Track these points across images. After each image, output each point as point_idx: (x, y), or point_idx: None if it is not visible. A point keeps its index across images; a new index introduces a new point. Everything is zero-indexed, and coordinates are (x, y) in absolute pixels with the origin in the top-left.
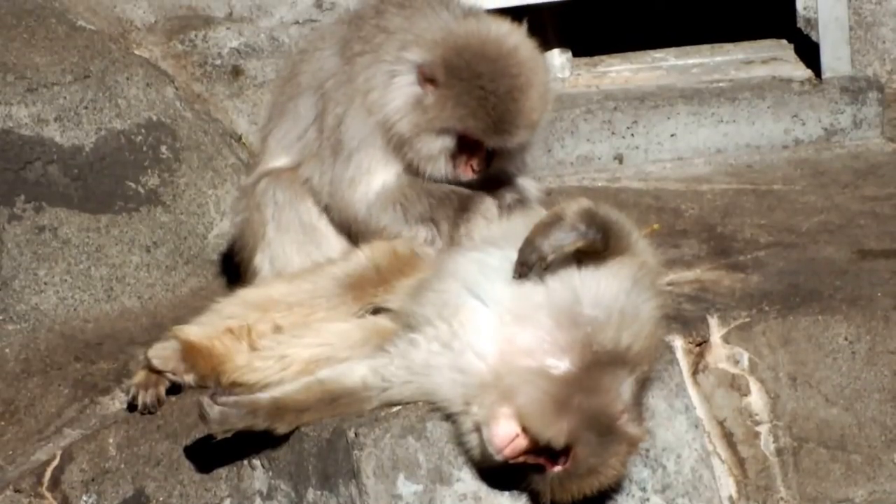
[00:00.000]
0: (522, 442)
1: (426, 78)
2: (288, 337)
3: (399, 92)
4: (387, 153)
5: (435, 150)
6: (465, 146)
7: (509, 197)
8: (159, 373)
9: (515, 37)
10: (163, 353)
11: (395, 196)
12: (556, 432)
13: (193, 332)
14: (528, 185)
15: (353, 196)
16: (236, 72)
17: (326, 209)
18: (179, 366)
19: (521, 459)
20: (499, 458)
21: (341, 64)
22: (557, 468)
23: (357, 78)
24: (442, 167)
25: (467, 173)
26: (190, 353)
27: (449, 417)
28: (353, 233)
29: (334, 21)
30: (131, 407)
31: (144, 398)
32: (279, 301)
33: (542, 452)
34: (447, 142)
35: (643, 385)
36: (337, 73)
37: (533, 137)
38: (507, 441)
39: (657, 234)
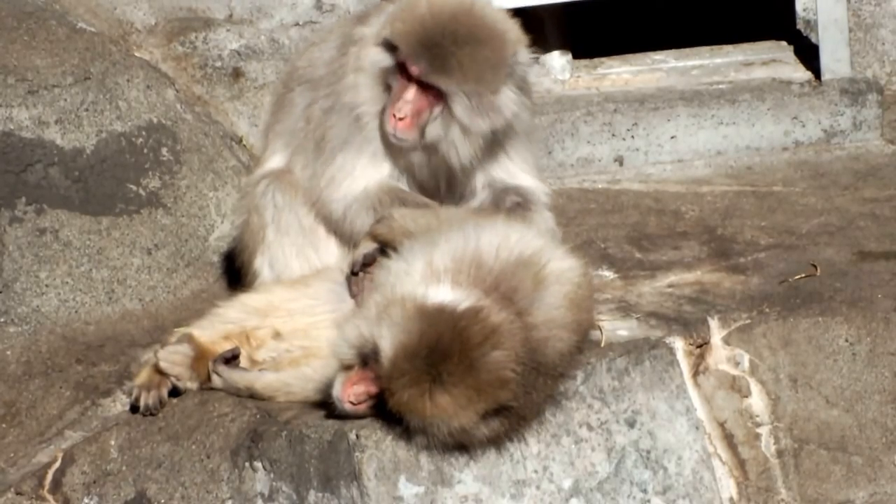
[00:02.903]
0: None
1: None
2: (287, 345)
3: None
4: (372, 156)
5: (372, 67)
6: (399, 82)
7: (509, 200)
8: (164, 375)
9: (484, 6)
10: (173, 358)
11: (371, 201)
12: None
13: (199, 335)
14: (534, 187)
15: (332, 195)
16: (237, 74)
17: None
18: (185, 372)
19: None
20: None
21: (337, 57)
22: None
23: (348, 73)
24: (376, 98)
25: (391, 122)
26: (201, 358)
27: None
28: (333, 230)
29: (342, 19)
30: (133, 408)
31: (147, 400)
32: (279, 307)
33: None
34: (383, 60)
35: None
36: (331, 64)
37: (479, 101)
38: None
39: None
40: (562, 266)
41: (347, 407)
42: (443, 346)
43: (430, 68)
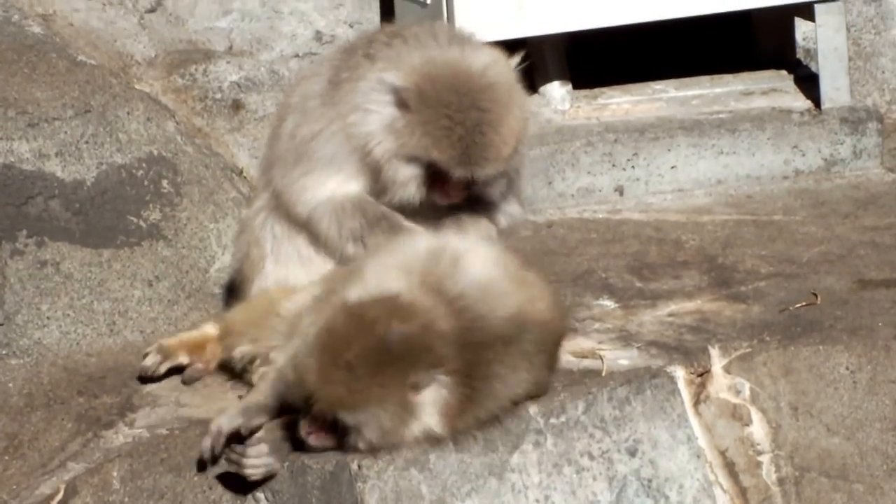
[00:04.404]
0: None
1: (401, 101)
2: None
3: (375, 114)
4: (351, 175)
5: (406, 177)
6: (436, 175)
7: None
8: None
9: (495, 69)
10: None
11: (334, 207)
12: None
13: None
14: (500, 207)
15: (301, 197)
16: (237, 106)
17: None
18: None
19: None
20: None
21: (328, 88)
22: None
23: (340, 102)
24: (414, 193)
25: (444, 199)
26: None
27: None
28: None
29: (333, 50)
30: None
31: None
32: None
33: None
34: (416, 170)
35: None
36: (322, 95)
37: (506, 167)
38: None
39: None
40: (476, 245)
41: (313, 443)
42: (343, 336)
43: (468, 174)
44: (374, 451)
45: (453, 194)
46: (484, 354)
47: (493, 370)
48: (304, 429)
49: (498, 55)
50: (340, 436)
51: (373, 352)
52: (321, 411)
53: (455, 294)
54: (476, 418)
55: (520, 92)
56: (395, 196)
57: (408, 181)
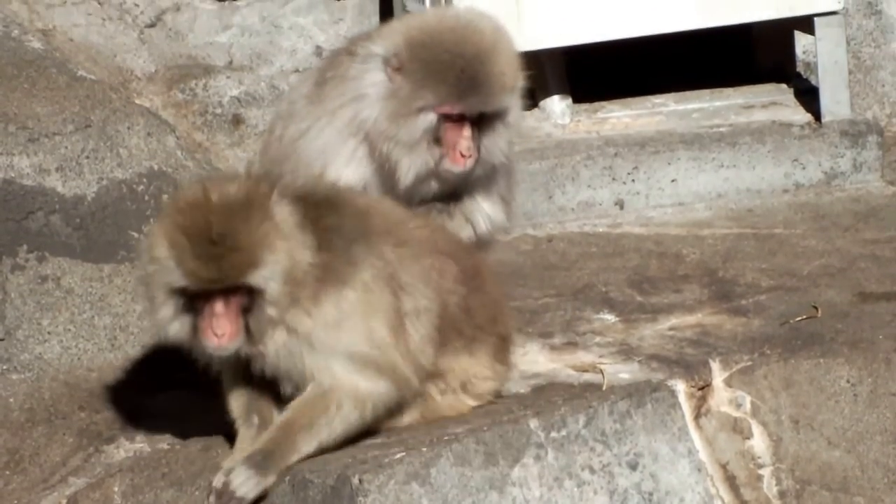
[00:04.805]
0: None
1: (393, 68)
2: None
3: (371, 89)
4: (341, 166)
5: (417, 135)
6: (448, 128)
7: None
8: None
9: (479, 18)
10: None
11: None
12: None
13: None
14: (485, 213)
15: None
16: (237, 120)
17: None
18: None
19: None
20: None
21: (314, 89)
22: None
23: (326, 98)
24: (426, 157)
25: (457, 161)
26: None
27: None
28: None
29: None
30: None
31: None
32: None
33: None
34: (427, 122)
35: None
36: (308, 96)
37: (509, 106)
38: None
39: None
40: None
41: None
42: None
43: (482, 104)
44: (281, 311)
45: (463, 144)
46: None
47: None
48: (210, 327)
49: (478, 11)
50: (247, 316)
51: (224, 215)
52: (227, 290)
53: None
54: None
55: (507, 35)
56: (403, 174)
57: (420, 140)
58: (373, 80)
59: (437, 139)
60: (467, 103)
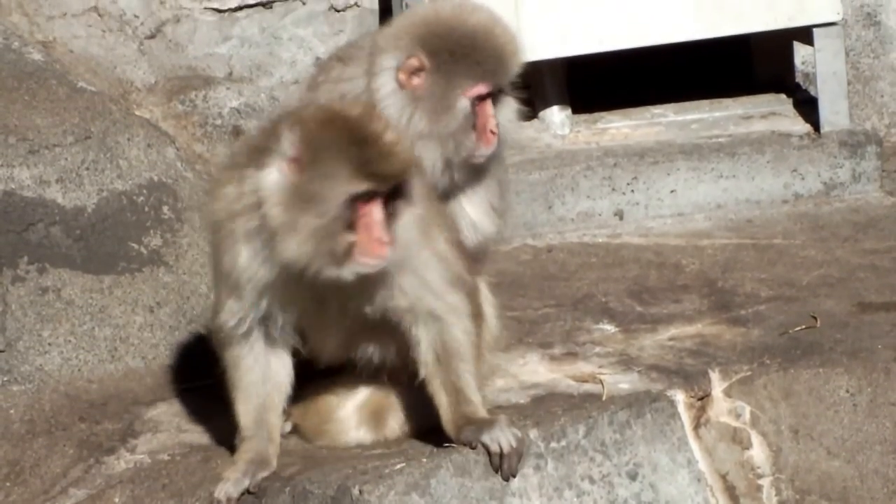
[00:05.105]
0: None
1: (410, 73)
2: None
3: (393, 106)
4: None
5: (456, 125)
6: (478, 111)
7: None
8: None
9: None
10: None
11: None
12: None
13: None
14: (471, 223)
15: None
16: (237, 132)
17: None
18: None
19: None
20: None
21: (306, 94)
22: None
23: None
24: (465, 144)
25: (489, 142)
26: None
27: None
28: None
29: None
30: None
31: None
32: None
33: None
34: (465, 109)
35: None
36: (301, 100)
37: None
38: None
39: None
40: None
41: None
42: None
43: (508, 73)
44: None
45: (492, 122)
46: None
47: None
48: (374, 236)
49: None
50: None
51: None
52: (394, 187)
53: None
54: None
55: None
56: (429, 169)
57: (465, 123)
58: (393, 98)
59: (473, 125)
60: (495, 78)
